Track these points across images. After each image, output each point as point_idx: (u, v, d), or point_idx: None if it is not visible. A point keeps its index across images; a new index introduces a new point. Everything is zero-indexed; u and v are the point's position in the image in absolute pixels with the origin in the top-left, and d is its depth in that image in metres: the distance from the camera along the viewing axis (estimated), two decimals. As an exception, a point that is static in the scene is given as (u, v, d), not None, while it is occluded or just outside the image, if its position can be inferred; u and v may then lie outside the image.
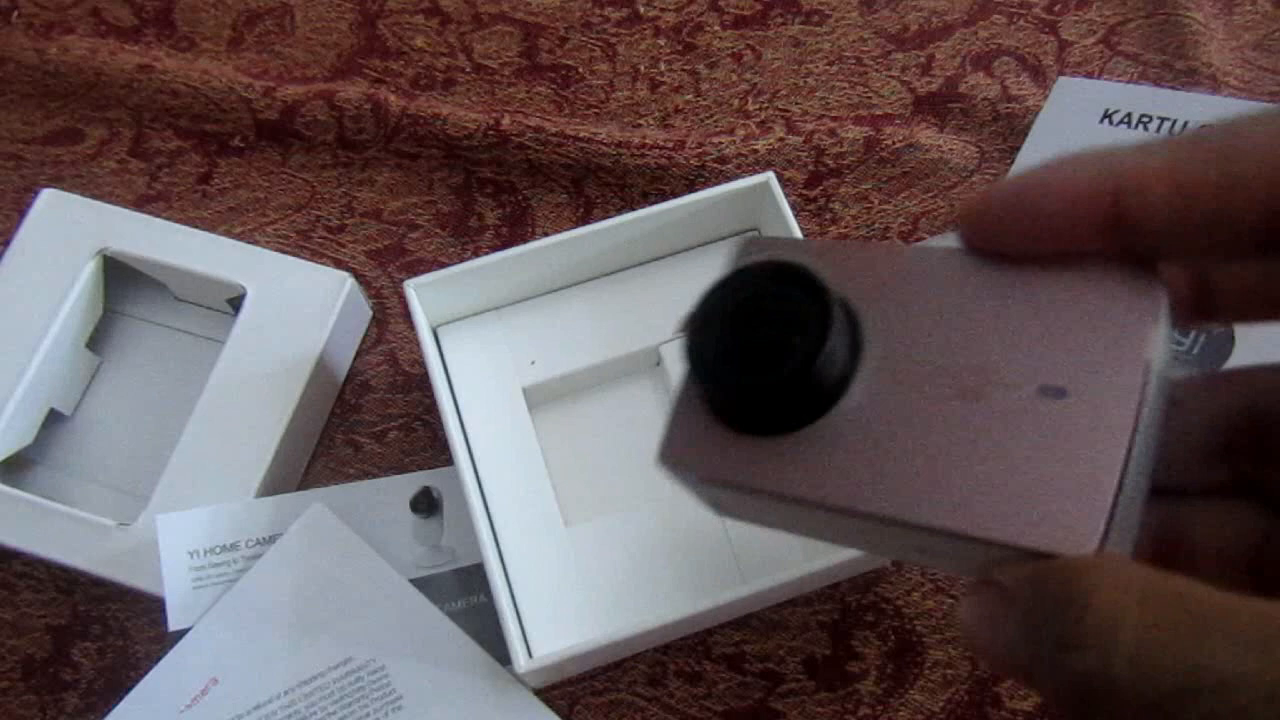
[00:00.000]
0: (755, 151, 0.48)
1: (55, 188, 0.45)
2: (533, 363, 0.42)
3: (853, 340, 0.20)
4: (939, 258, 0.20)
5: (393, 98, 0.49)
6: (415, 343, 0.40)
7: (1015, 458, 0.17)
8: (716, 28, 0.52)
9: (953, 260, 0.19)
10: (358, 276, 0.46)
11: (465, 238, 0.48)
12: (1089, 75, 0.50)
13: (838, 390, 0.19)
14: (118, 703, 0.37)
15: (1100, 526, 0.16)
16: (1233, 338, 0.40)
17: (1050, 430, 0.17)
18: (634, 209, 0.41)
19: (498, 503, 0.40)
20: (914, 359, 0.19)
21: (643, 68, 0.51)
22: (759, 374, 0.19)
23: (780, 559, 0.39)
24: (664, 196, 0.47)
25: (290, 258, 0.44)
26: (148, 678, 0.37)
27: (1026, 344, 0.18)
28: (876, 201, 0.47)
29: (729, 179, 0.45)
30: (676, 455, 0.21)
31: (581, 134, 0.48)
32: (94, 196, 0.45)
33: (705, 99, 0.50)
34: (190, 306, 0.47)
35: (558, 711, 0.38)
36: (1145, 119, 0.45)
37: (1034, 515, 0.17)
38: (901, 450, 0.18)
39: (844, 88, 0.50)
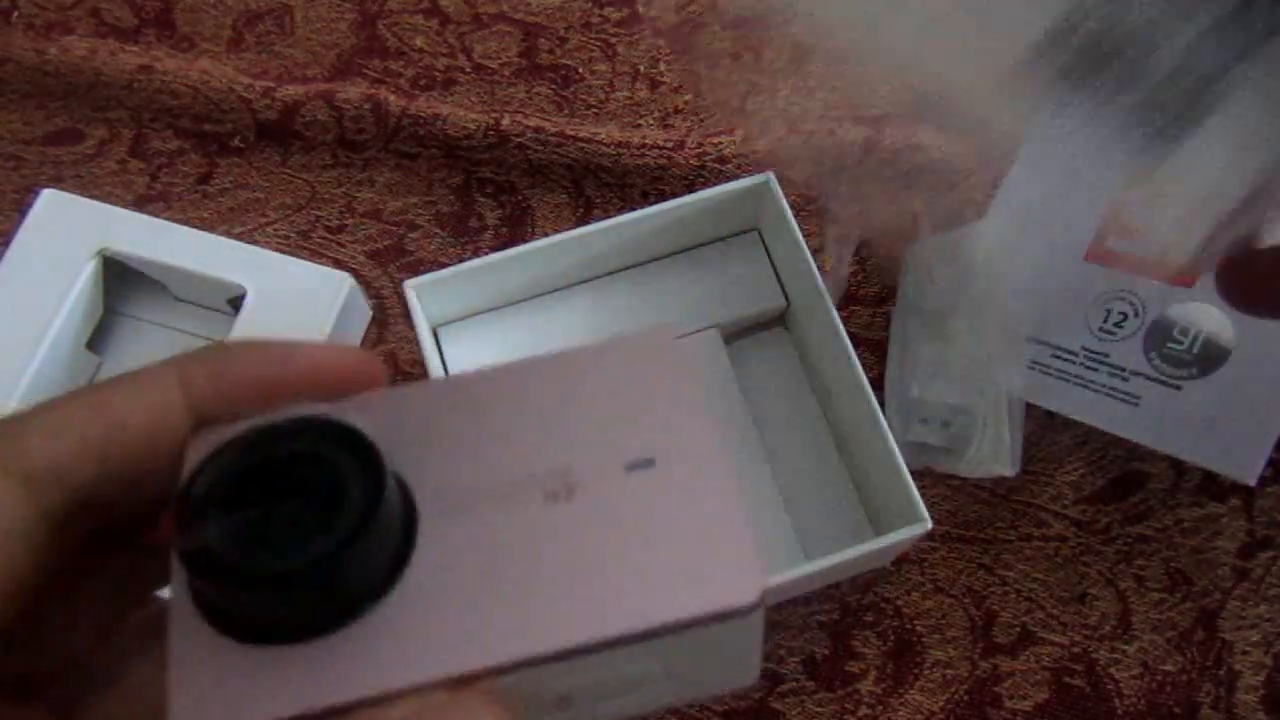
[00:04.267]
0: (755, 151, 0.48)
1: (55, 188, 0.45)
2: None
3: (404, 494, 0.16)
4: (467, 383, 0.18)
5: (392, 98, 0.49)
6: (415, 343, 0.40)
7: (638, 538, 0.16)
8: (716, 28, 0.52)
9: (482, 381, 0.18)
10: (358, 277, 0.46)
11: (465, 238, 0.48)
12: (1089, 75, 0.50)
13: (403, 554, 0.16)
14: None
15: (758, 568, 0.16)
16: (1233, 336, 0.39)
17: (656, 501, 0.16)
18: (634, 209, 0.41)
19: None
20: (481, 487, 0.16)
21: (643, 68, 0.51)
22: (304, 549, 0.15)
23: (780, 559, 0.39)
24: (664, 196, 0.47)
25: (290, 258, 0.44)
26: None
27: (591, 432, 0.17)
28: (876, 202, 0.47)
29: (729, 179, 0.45)
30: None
31: (581, 134, 0.48)
32: (94, 197, 0.45)
33: (705, 99, 0.50)
34: (190, 307, 0.47)
35: (558, 712, 0.38)
36: (1145, 119, 0.45)
37: (691, 583, 0.16)
38: (514, 578, 0.16)
39: (844, 88, 0.50)
